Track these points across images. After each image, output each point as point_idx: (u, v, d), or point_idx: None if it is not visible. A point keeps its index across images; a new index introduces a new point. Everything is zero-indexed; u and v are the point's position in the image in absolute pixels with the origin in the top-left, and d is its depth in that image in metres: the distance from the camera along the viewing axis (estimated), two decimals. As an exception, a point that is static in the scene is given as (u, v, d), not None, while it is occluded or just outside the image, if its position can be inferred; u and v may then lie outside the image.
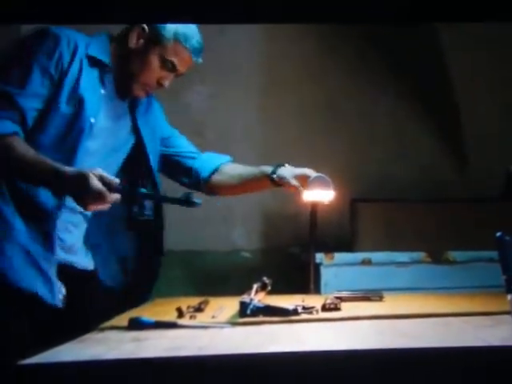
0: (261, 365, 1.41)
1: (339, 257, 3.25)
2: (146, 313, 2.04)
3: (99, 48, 2.27)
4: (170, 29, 2.28)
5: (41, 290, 2.12)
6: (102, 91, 2.27)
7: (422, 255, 3.26)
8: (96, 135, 2.23)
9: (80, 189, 2.02)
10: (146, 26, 2.27)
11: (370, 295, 2.29)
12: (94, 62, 2.24)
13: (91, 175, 2.01)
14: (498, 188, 3.74)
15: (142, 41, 2.28)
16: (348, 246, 3.44)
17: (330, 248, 3.35)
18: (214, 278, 3.78)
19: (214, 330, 1.75)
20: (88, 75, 2.21)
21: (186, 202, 2.15)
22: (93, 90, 2.22)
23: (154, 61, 2.29)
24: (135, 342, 1.64)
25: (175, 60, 2.30)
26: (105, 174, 2.05)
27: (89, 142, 2.21)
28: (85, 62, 2.21)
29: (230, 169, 2.63)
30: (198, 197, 2.18)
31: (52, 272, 2.15)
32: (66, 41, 2.17)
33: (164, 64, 2.29)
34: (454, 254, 3.26)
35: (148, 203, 2.33)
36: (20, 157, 2.04)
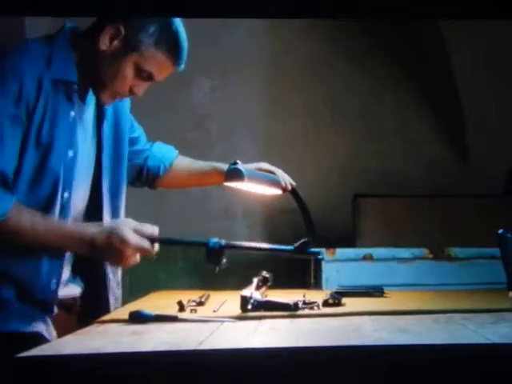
0: (261, 360, 1.40)
1: (341, 252, 3.25)
2: (147, 306, 2.04)
3: (63, 65, 1.97)
4: (151, 34, 1.98)
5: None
6: (72, 113, 2.00)
7: (423, 251, 3.26)
8: (79, 163, 2.03)
9: (117, 253, 1.91)
10: (122, 27, 1.96)
11: (372, 291, 2.29)
12: (59, 83, 1.97)
13: (125, 232, 1.90)
14: (501, 184, 3.74)
15: (115, 43, 1.97)
16: (350, 241, 3.44)
17: (332, 243, 3.35)
18: (214, 271, 3.77)
19: (215, 324, 1.75)
20: (55, 103, 1.95)
21: (303, 251, 2.05)
22: (63, 117, 1.97)
23: (128, 69, 1.99)
24: (135, 336, 1.64)
25: (153, 70, 2.01)
26: (139, 225, 1.94)
27: (74, 175, 2.01)
28: (50, 88, 1.94)
29: (179, 163, 2.46)
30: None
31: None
32: (29, 76, 1.89)
33: (139, 73, 2.00)
34: (455, 251, 3.26)
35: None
36: (36, 234, 1.88)
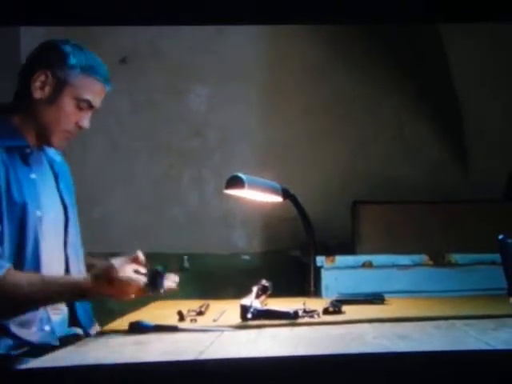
0: (262, 368, 1.40)
1: (340, 260, 3.25)
2: (147, 316, 2.03)
3: (9, 132, 2.08)
4: (74, 64, 2.07)
5: None
6: (33, 175, 2.10)
7: (423, 258, 3.25)
8: (47, 220, 2.10)
9: (115, 290, 1.95)
10: (47, 71, 2.06)
11: (372, 298, 2.29)
12: (12, 151, 2.06)
13: (117, 269, 1.93)
14: (501, 190, 3.73)
15: (47, 88, 2.06)
16: (350, 247, 3.43)
17: (331, 250, 3.34)
18: (214, 280, 3.77)
19: (215, 334, 1.75)
20: (15, 168, 2.04)
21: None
22: (26, 182, 2.06)
23: (68, 104, 2.08)
24: (136, 346, 1.64)
25: (89, 96, 2.10)
26: (127, 259, 1.98)
27: (43, 234, 2.07)
28: (5, 156, 2.03)
29: None
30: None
31: None
32: None
33: (79, 104, 2.09)
34: (455, 257, 3.25)
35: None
36: (33, 290, 1.93)
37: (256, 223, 3.93)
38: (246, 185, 2.49)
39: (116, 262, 1.97)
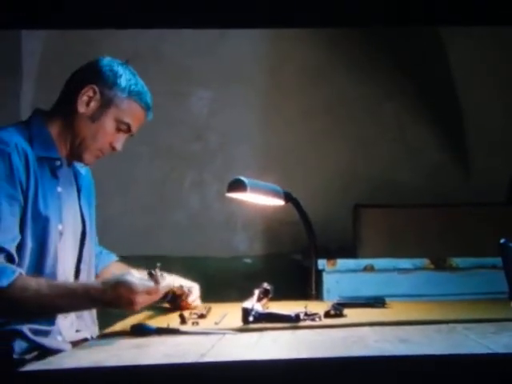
0: (263, 371, 1.40)
1: (341, 263, 3.25)
2: (149, 319, 2.04)
3: (44, 143, 2.08)
4: (124, 87, 2.11)
5: None
6: (59, 189, 2.11)
7: (424, 262, 3.26)
8: (66, 234, 2.11)
9: (126, 301, 1.90)
10: (95, 87, 2.09)
11: (373, 302, 2.29)
12: (43, 161, 2.07)
13: (130, 279, 1.91)
14: (502, 193, 3.73)
15: (93, 104, 2.09)
16: (351, 251, 3.43)
17: (333, 253, 3.35)
18: (215, 283, 3.77)
19: (217, 337, 1.75)
20: (43, 179, 2.05)
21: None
22: (51, 195, 2.07)
23: (110, 124, 2.11)
24: (137, 349, 1.64)
25: (131, 121, 2.14)
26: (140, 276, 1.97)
27: (62, 245, 2.08)
28: (36, 166, 2.03)
29: (113, 267, 2.46)
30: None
31: None
32: (16, 155, 1.98)
33: (119, 126, 2.13)
34: (456, 261, 3.25)
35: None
36: (43, 297, 1.92)
37: (257, 226, 3.93)
38: (248, 188, 2.49)
39: (138, 285, 1.92)
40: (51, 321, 2.03)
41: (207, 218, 3.90)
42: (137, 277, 1.94)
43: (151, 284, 1.93)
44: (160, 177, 3.90)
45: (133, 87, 2.12)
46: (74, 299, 1.95)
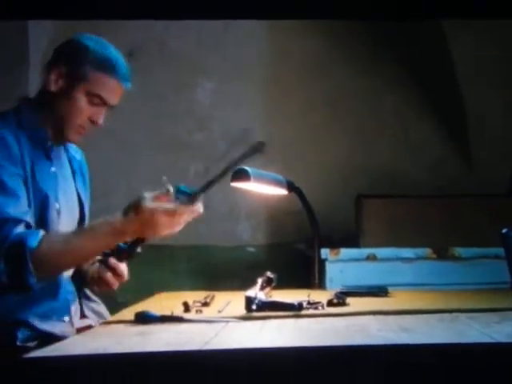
0: (267, 359, 1.41)
1: (344, 252, 3.25)
2: (152, 307, 2.04)
3: (33, 125, 2.11)
4: (89, 59, 2.09)
5: None
6: (53, 169, 2.14)
7: (427, 251, 3.26)
8: (63, 216, 2.14)
9: (152, 225, 1.95)
10: (62, 65, 2.09)
11: (376, 291, 2.30)
12: (35, 142, 2.10)
13: (148, 204, 1.95)
14: (504, 184, 3.73)
15: (61, 82, 2.09)
16: (354, 241, 3.44)
17: (335, 243, 3.35)
18: (219, 272, 3.78)
19: (220, 325, 1.76)
20: (37, 160, 2.08)
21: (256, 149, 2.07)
22: (47, 175, 2.10)
23: (81, 99, 2.09)
24: (141, 336, 1.65)
25: (103, 93, 2.10)
26: (153, 194, 1.99)
27: (61, 225, 2.12)
28: (28, 146, 2.07)
29: None
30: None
31: None
32: (8, 135, 2.03)
33: (92, 100, 2.10)
34: (459, 251, 3.26)
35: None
36: (72, 244, 1.98)
37: (261, 216, 3.93)
38: (252, 178, 2.50)
39: (144, 195, 1.98)
40: (58, 307, 2.05)
41: (211, 207, 3.89)
42: (151, 197, 1.97)
43: (169, 205, 1.96)
44: (163, 167, 3.90)
45: (100, 59, 2.10)
46: (102, 237, 1.99)
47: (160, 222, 1.95)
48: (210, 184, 2.06)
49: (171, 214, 1.96)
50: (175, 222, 1.99)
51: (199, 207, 2.03)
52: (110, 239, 2.01)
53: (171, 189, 2.02)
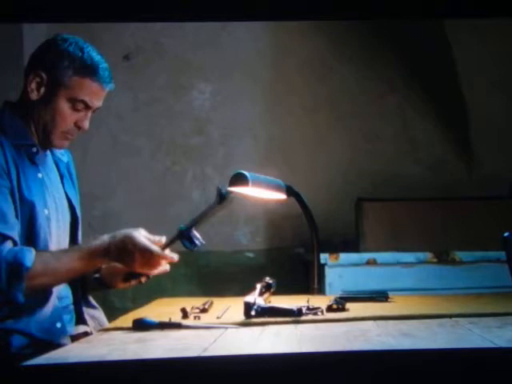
0: (266, 366, 1.40)
1: (344, 257, 3.24)
2: (151, 313, 2.03)
3: (17, 131, 2.08)
4: (69, 65, 2.06)
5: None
6: (40, 175, 2.11)
7: (427, 255, 3.25)
8: (53, 219, 2.13)
9: (130, 255, 2.00)
10: (42, 73, 2.06)
11: (376, 296, 2.28)
12: (20, 149, 2.07)
13: (136, 235, 2.01)
14: (506, 188, 3.72)
15: (42, 89, 2.06)
16: (354, 245, 3.43)
17: (335, 248, 3.34)
18: (217, 278, 3.77)
19: (219, 331, 1.75)
20: (23, 167, 2.06)
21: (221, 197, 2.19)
22: (33, 181, 2.08)
23: (63, 106, 2.07)
24: (139, 343, 1.64)
25: (86, 97, 2.07)
26: (148, 234, 2.05)
27: (51, 233, 2.10)
28: (14, 153, 2.05)
29: None
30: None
31: None
32: None
33: (75, 106, 2.07)
34: (460, 254, 3.25)
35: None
36: (62, 265, 2.00)
37: (259, 221, 3.92)
38: (250, 182, 2.49)
39: (140, 229, 2.04)
40: (49, 314, 2.05)
41: (210, 212, 3.89)
42: (144, 234, 2.03)
43: (154, 248, 2.01)
44: (161, 170, 3.90)
45: (78, 63, 2.06)
46: (87, 259, 2.01)
47: (136, 255, 2.01)
48: (178, 237, 2.17)
49: (147, 252, 2.01)
50: (150, 262, 2.04)
51: (174, 256, 2.10)
52: (94, 261, 2.04)
53: (163, 240, 2.08)
